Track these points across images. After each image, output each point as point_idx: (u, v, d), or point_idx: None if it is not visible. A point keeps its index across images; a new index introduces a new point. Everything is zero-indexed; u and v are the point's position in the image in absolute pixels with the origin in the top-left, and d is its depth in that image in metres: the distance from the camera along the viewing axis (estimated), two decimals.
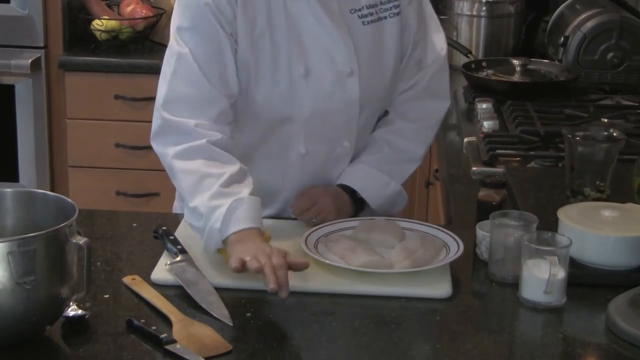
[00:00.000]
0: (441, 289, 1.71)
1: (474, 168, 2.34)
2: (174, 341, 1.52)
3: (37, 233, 1.46)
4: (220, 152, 1.84)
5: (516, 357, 1.58)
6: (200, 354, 1.49)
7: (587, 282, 1.74)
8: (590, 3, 3.29)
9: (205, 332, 1.55)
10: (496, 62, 3.19)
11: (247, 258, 1.66)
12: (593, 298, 1.71)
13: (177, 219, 1.98)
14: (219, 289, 1.69)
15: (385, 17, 2.00)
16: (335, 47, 1.94)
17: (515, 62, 3.06)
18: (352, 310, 1.67)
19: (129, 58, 3.60)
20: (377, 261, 1.76)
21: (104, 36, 3.63)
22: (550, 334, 1.62)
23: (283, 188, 2.06)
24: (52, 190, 3.51)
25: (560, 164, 2.25)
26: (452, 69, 2.20)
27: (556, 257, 1.65)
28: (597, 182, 1.96)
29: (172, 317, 1.59)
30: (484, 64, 3.18)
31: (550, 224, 1.79)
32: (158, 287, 1.70)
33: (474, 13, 3.44)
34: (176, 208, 2.15)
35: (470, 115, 2.86)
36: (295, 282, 1.71)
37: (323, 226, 1.91)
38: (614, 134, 1.99)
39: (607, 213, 1.80)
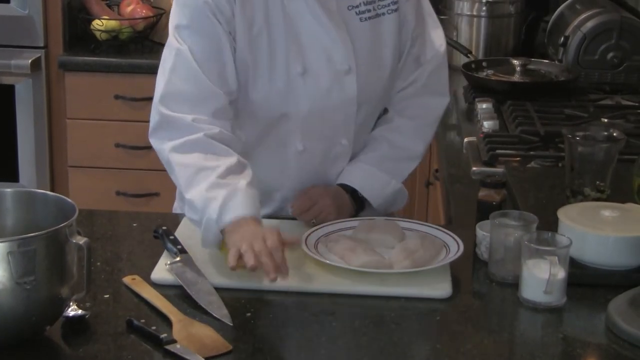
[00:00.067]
0: (441, 289, 1.71)
1: (474, 168, 2.34)
2: (174, 341, 1.52)
3: (37, 233, 1.46)
4: (217, 145, 1.84)
5: (516, 357, 1.58)
6: (200, 354, 1.49)
7: (587, 282, 1.74)
8: (590, 3, 3.29)
9: (205, 332, 1.55)
10: (496, 62, 3.19)
11: (243, 247, 1.67)
12: (593, 298, 1.71)
13: (177, 219, 1.98)
14: (219, 289, 1.69)
15: (383, 14, 2.00)
16: (333, 45, 1.94)
17: (515, 62, 3.06)
18: (352, 310, 1.67)
19: (129, 58, 3.60)
20: (377, 261, 1.76)
21: (104, 36, 3.63)
22: (550, 334, 1.62)
23: (282, 186, 2.06)
24: (52, 190, 3.51)
25: (560, 164, 2.25)
26: (452, 69, 2.20)
27: (556, 257, 1.65)
28: (597, 182, 1.96)
29: (172, 317, 1.59)
30: (484, 64, 3.18)
31: (550, 224, 1.79)
32: (158, 287, 1.70)
33: (474, 13, 3.44)
34: (176, 208, 2.15)
35: (470, 115, 2.86)
36: (296, 282, 1.72)
37: (323, 226, 1.91)
38: (614, 134, 1.99)
39: (607, 213, 1.80)
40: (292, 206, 2.01)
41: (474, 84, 3.04)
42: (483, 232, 1.82)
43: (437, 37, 2.12)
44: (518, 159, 2.37)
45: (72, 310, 1.59)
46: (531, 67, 3.10)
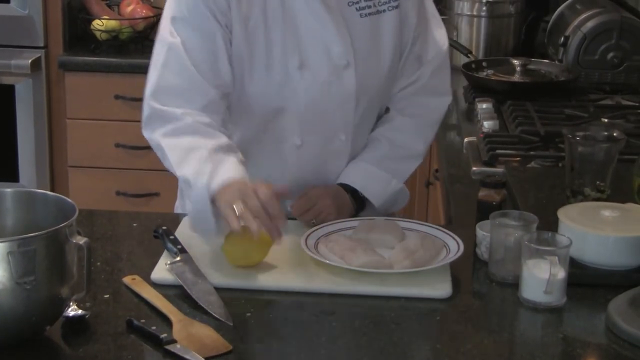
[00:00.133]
0: (441, 289, 1.71)
1: (474, 168, 2.34)
2: (174, 341, 1.52)
3: (37, 233, 1.46)
4: (207, 129, 1.87)
5: (516, 357, 1.58)
6: (200, 354, 1.49)
7: (587, 282, 1.73)
8: (590, 3, 3.29)
9: (205, 332, 1.55)
10: (496, 62, 3.19)
11: (238, 207, 1.69)
12: (593, 298, 1.70)
13: (177, 219, 1.98)
14: (219, 289, 1.69)
15: (384, 10, 2.00)
16: (332, 39, 1.94)
17: (516, 62, 3.06)
18: (352, 310, 1.67)
19: (129, 58, 3.61)
20: (377, 261, 1.76)
21: (104, 36, 3.63)
22: (550, 334, 1.62)
23: (280, 182, 2.05)
24: (52, 190, 3.51)
25: (560, 164, 2.25)
26: (452, 69, 2.20)
27: (556, 257, 1.65)
28: (597, 182, 1.96)
29: (172, 317, 1.59)
30: (484, 64, 3.18)
31: (550, 224, 1.79)
32: (158, 287, 1.70)
33: (474, 13, 3.44)
34: (177, 207, 2.15)
35: (470, 115, 2.86)
36: (296, 282, 1.72)
37: (323, 226, 1.91)
38: (614, 134, 1.99)
39: (607, 213, 1.79)
40: (292, 206, 2.01)
41: (474, 84, 3.04)
42: (483, 232, 1.82)
43: (440, 37, 2.12)
44: (518, 159, 2.37)
45: (72, 310, 1.59)
46: (531, 67, 3.10)
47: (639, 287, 1.67)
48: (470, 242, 1.84)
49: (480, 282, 1.78)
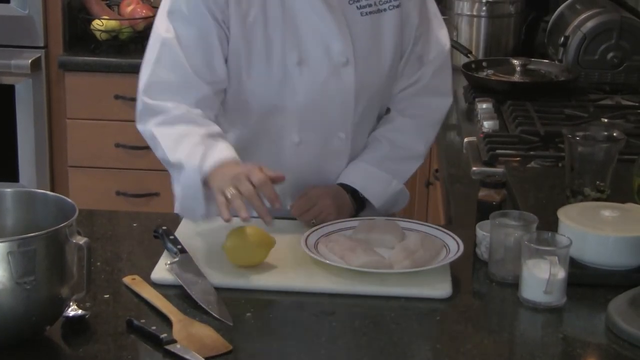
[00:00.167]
0: (441, 289, 1.71)
1: (474, 168, 2.34)
2: (174, 341, 1.52)
3: (37, 233, 1.46)
4: (200, 118, 1.89)
5: (516, 357, 1.58)
6: (200, 354, 1.49)
7: (587, 282, 1.73)
8: (590, 3, 3.29)
9: (205, 332, 1.55)
10: (496, 62, 3.19)
11: (229, 192, 1.70)
12: (593, 298, 1.70)
13: (177, 219, 1.98)
14: (219, 289, 1.69)
15: (385, 9, 2.00)
16: (332, 36, 1.94)
17: (515, 62, 3.06)
18: (352, 310, 1.67)
19: (129, 58, 3.60)
20: (377, 261, 1.76)
21: (104, 36, 3.63)
22: (550, 334, 1.62)
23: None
24: (52, 190, 3.51)
25: (560, 164, 2.25)
26: (452, 69, 2.20)
27: (556, 257, 1.65)
28: (597, 182, 1.96)
29: (172, 317, 1.59)
30: (484, 64, 3.18)
31: (550, 224, 1.79)
32: (158, 287, 1.70)
33: (474, 13, 3.44)
34: (177, 208, 2.14)
35: (470, 115, 2.86)
36: (296, 282, 1.72)
37: (323, 226, 1.91)
38: (614, 134, 1.99)
39: (607, 213, 1.79)
40: (292, 207, 2.01)
41: (474, 84, 3.04)
42: (483, 232, 1.82)
43: (442, 37, 2.12)
44: (518, 159, 2.37)
45: (72, 310, 1.59)
46: (531, 67, 3.10)
47: (639, 287, 1.67)
48: (470, 242, 1.84)
49: (480, 282, 1.78)
